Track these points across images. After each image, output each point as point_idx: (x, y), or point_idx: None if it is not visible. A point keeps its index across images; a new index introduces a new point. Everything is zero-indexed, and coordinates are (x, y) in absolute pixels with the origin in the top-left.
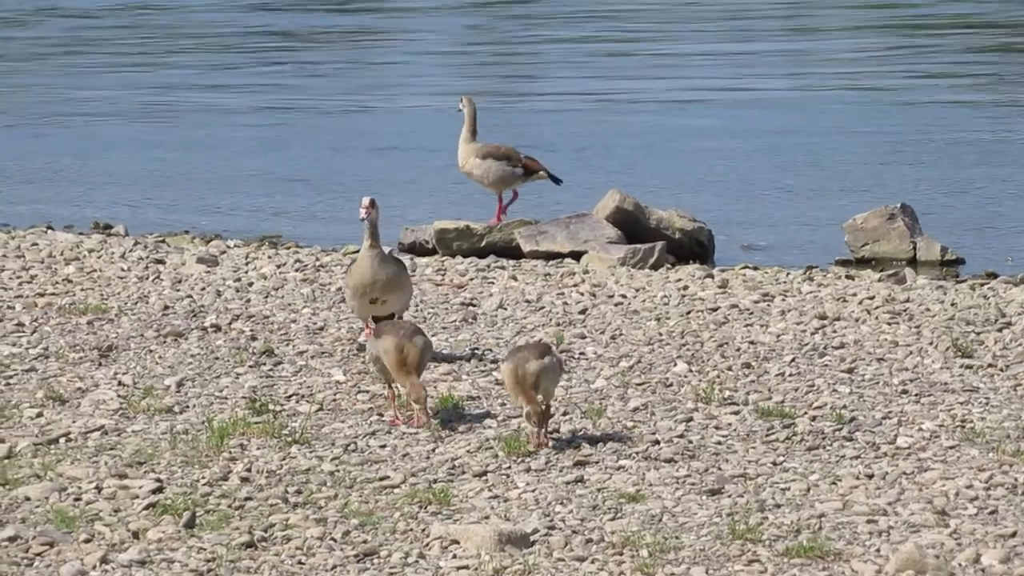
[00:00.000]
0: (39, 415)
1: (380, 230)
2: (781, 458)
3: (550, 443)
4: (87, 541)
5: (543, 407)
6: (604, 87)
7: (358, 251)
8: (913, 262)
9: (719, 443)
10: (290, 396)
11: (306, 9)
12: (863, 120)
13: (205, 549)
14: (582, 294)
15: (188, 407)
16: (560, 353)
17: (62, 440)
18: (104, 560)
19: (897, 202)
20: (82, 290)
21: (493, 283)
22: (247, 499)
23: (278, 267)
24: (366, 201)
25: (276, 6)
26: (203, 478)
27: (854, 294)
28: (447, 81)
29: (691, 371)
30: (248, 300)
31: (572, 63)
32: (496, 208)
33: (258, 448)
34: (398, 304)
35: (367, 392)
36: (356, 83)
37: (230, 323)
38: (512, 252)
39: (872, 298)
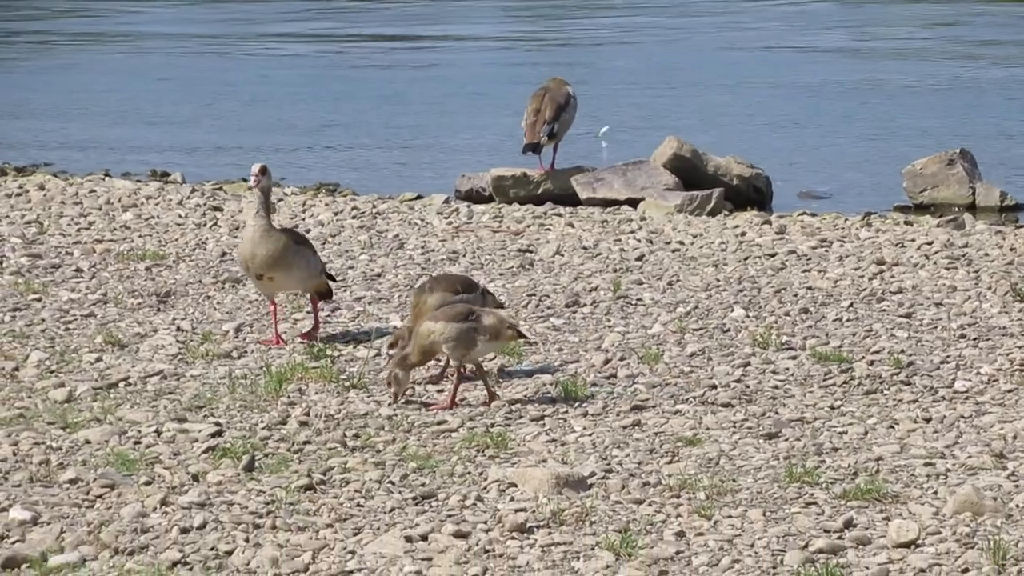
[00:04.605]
0: (98, 360)
1: (436, 175)
2: (839, 402)
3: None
4: (147, 484)
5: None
6: (662, 32)
7: (415, 199)
8: (972, 207)
9: (776, 387)
10: (348, 341)
11: None
12: (922, 67)
13: (264, 492)
14: (639, 241)
15: (246, 352)
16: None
17: (122, 384)
18: (164, 502)
19: (956, 147)
20: (140, 236)
21: (550, 230)
22: (306, 443)
23: (335, 214)
24: (256, 168)
25: None
26: (262, 422)
27: (912, 240)
28: (502, 26)
29: (748, 316)
30: None
31: (633, 8)
32: (550, 157)
33: (316, 393)
34: (288, 282)
35: None
36: (412, 29)
37: None
38: (569, 199)
39: (931, 243)
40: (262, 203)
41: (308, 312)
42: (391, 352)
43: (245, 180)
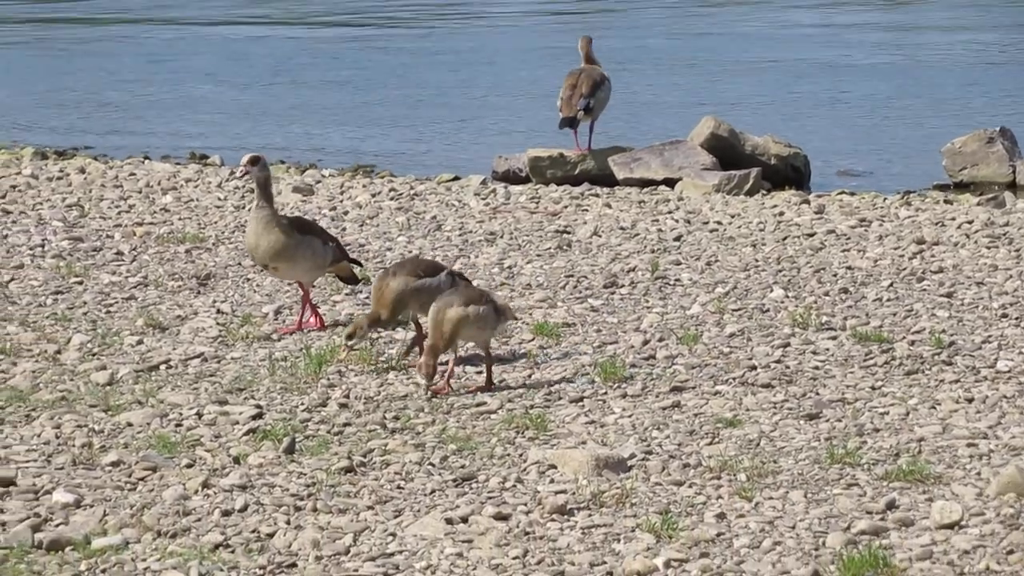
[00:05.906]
0: (139, 342)
1: (473, 157)
2: (880, 383)
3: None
4: (189, 466)
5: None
6: (699, 11)
7: (453, 180)
8: (1012, 186)
9: (816, 368)
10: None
11: None
12: (960, 44)
13: (305, 474)
14: (677, 221)
15: (286, 335)
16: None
17: (162, 367)
18: (206, 484)
19: (996, 125)
20: (180, 219)
21: (587, 211)
22: (346, 425)
23: (373, 196)
24: (245, 159)
25: None
26: (302, 404)
27: (952, 218)
28: (537, 6)
29: (788, 297)
30: (343, 229)
31: None
32: (586, 138)
33: (356, 375)
34: (295, 272)
35: None
36: (448, 9)
37: None
38: (606, 180)
39: (971, 222)
40: (261, 194)
41: (347, 294)
42: (350, 343)
43: (283, 162)
